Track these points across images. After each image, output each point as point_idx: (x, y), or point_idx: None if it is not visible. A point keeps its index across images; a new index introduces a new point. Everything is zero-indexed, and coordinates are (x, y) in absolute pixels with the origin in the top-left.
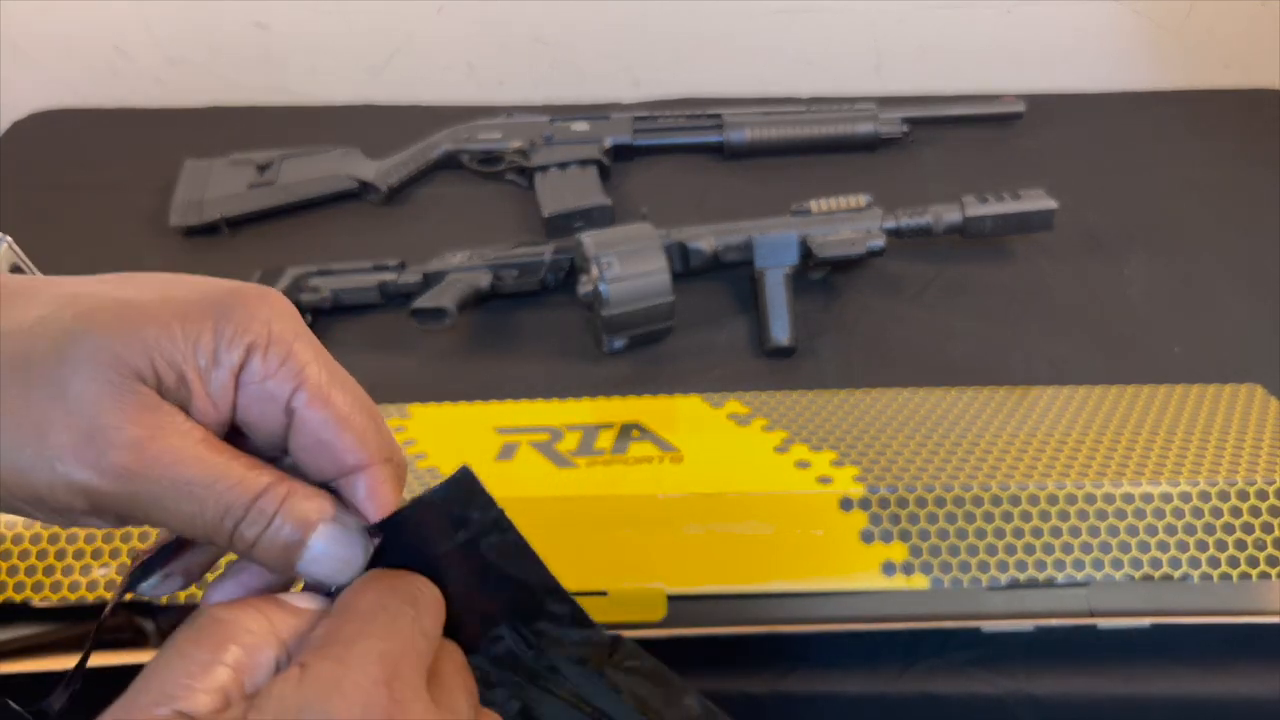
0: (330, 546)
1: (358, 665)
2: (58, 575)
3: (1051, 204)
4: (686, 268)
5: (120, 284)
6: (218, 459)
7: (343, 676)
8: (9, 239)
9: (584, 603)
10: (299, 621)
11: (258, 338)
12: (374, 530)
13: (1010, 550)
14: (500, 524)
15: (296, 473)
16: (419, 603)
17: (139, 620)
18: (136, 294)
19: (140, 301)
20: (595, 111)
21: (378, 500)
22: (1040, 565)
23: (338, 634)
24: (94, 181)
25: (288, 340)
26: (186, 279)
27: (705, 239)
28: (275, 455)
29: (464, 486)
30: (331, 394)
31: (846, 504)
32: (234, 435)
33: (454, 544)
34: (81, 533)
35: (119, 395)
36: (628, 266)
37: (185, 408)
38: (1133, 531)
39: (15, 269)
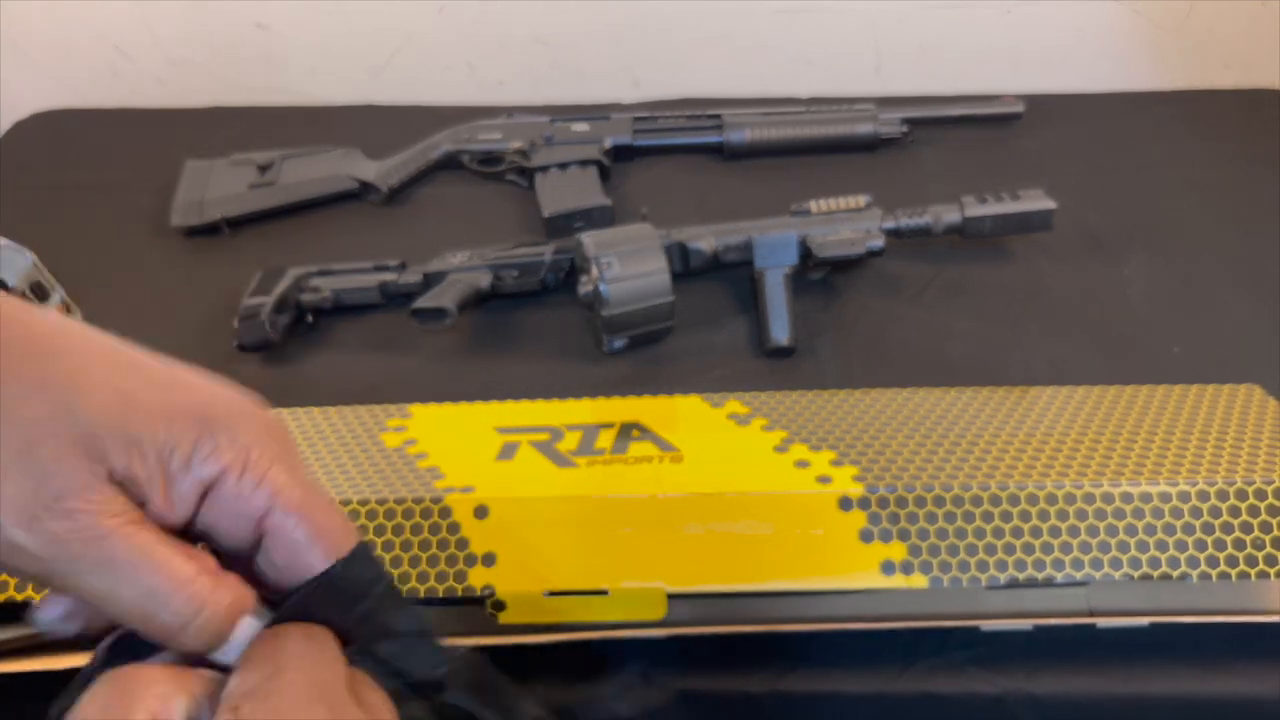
0: (248, 637)
1: (290, 695)
2: None
3: (1051, 204)
4: (686, 268)
5: (130, 370)
6: (151, 547)
7: (280, 708)
8: (33, 256)
9: (585, 601)
10: (205, 677)
11: (233, 461)
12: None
13: (1009, 550)
14: (393, 595)
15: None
16: (322, 636)
17: None
18: (137, 388)
19: (137, 397)
20: (595, 112)
21: None
22: (1039, 565)
23: (261, 676)
24: (95, 182)
25: (264, 466)
26: (193, 382)
27: (705, 239)
28: (237, 556)
29: (360, 563)
30: (304, 512)
31: (846, 503)
32: (189, 535)
33: (354, 615)
34: None
35: (78, 472)
36: (628, 267)
37: (144, 502)
38: (1131, 531)
39: (36, 285)
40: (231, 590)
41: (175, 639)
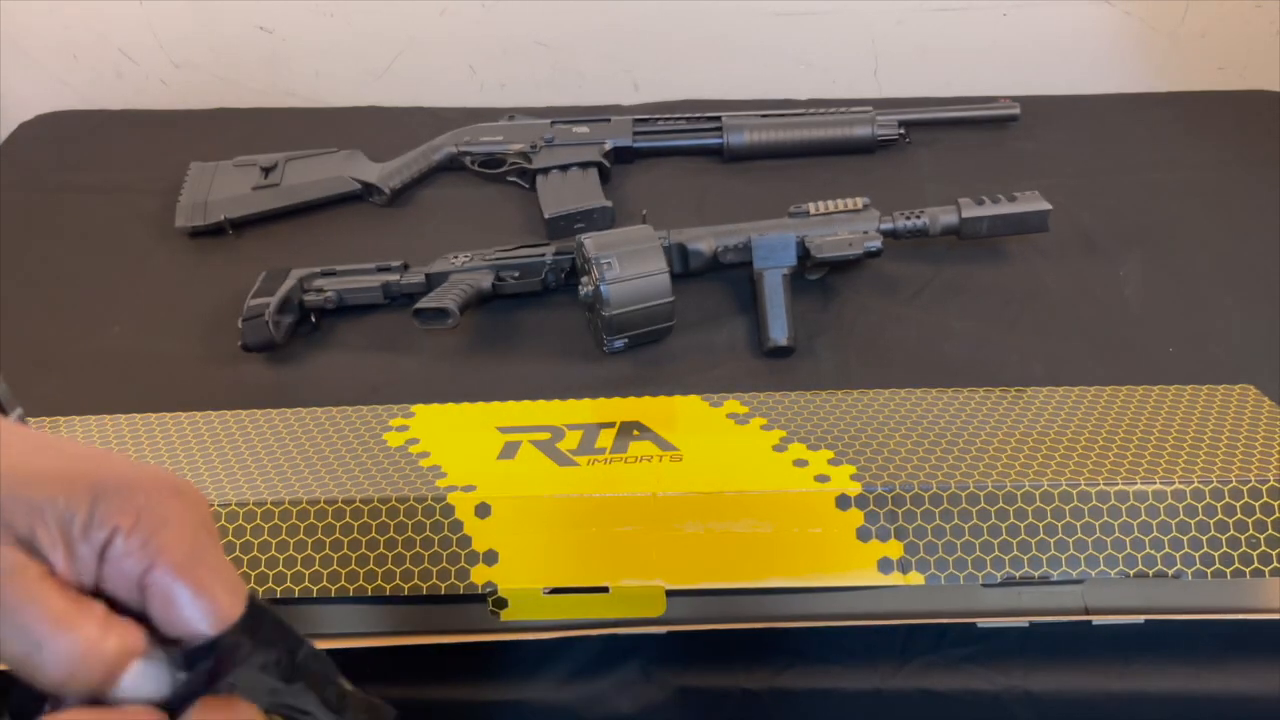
0: (139, 681)
1: None
2: None
3: (1046, 206)
4: (686, 269)
5: (40, 449)
6: (38, 594)
7: None
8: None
9: (585, 599)
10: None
11: (124, 521)
12: (188, 659)
13: (1005, 548)
14: (293, 644)
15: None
16: None
17: None
18: (42, 461)
19: (40, 468)
20: (596, 114)
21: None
22: (1035, 563)
23: None
24: (99, 183)
25: (152, 526)
26: (101, 457)
27: (705, 240)
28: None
29: (255, 617)
30: (183, 571)
31: (844, 502)
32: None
33: (261, 661)
34: None
35: None
36: (628, 268)
37: (51, 567)
38: (1127, 530)
39: None
40: (119, 636)
41: (63, 685)
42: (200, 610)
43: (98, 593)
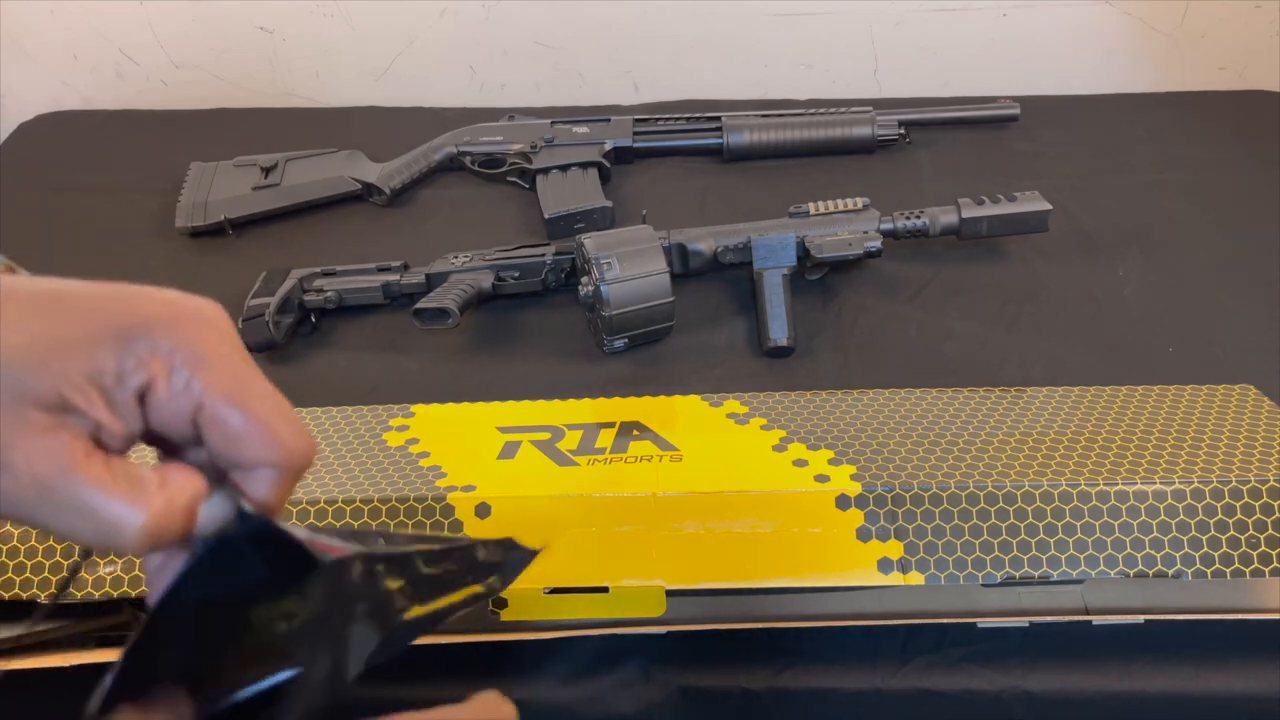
0: (210, 515)
1: None
2: (64, 573)
3: (1046, 206)
4: (686, 269)
5: (47, 308)
6: (96, 483)
7: None
8: None
9: (585, 598)
10: None
11: (160, 365)
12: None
13: (1005, 548)
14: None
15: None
16: None
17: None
18: (55, 328)
19: (57, 335)
20: (596, 114)
21: (267, 494)
22: (1035, 563)
23: None
24: (99, 183)
25: (190, 364)
26: (114, 299)
27: (705, 240)
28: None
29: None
30: (232, 405)
31: (844, 502)
32: (154, 438)
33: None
34: None
35: (23, 423)
36: (628, 268)
37: (92, 425)
38: (1126, 530)
39: None
40: (181, 490)
41: (147, 551)
42: (257, 437)
43: (149, 434)
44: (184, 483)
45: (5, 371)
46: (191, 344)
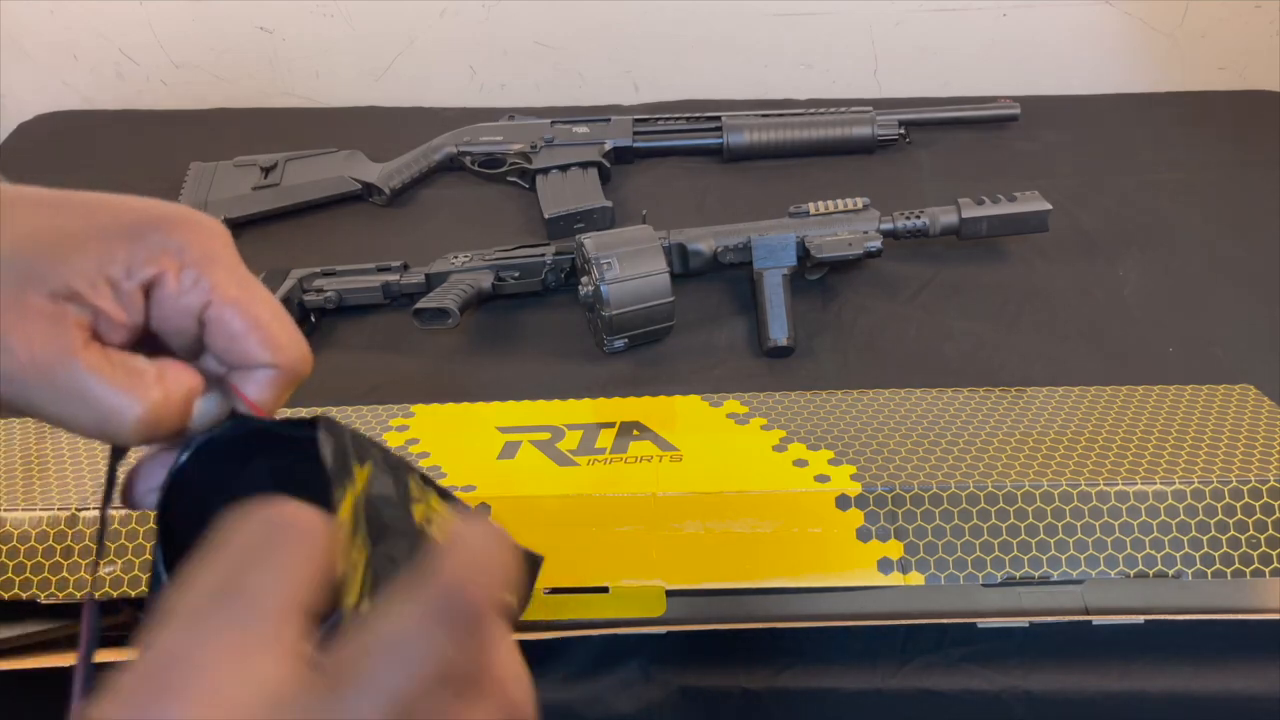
0: (205, 412)
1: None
2: (64, 573)
3: (1046, 206)
4: (686, 269)
5: (56, 208)
6: (95, 370)
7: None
8: None
9: (585, 598)
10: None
11: (169, 261)
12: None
13: (1005, 548)
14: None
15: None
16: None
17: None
18: (64, 221)
19: (66, 227)
20: (596, 114)
21: (264, 395)
22: (1035, 563)
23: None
24: (99, 183)
25: (200, 263)
26: (123, 201)
27: (705, 240)
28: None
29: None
30: (238, 305)
31: (844, 502)
32: (152, 339)
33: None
34: (88, 530)
35: (24, 307)
36: (628, 268)
37: (96, 316)
38: (1127, 530)
39: None
40: (179, 384)
41: (144, 442)
42: (258, 339)
43: (147, 333)
44: (181, 376)
45: (7, 258)
46: (202, 244)
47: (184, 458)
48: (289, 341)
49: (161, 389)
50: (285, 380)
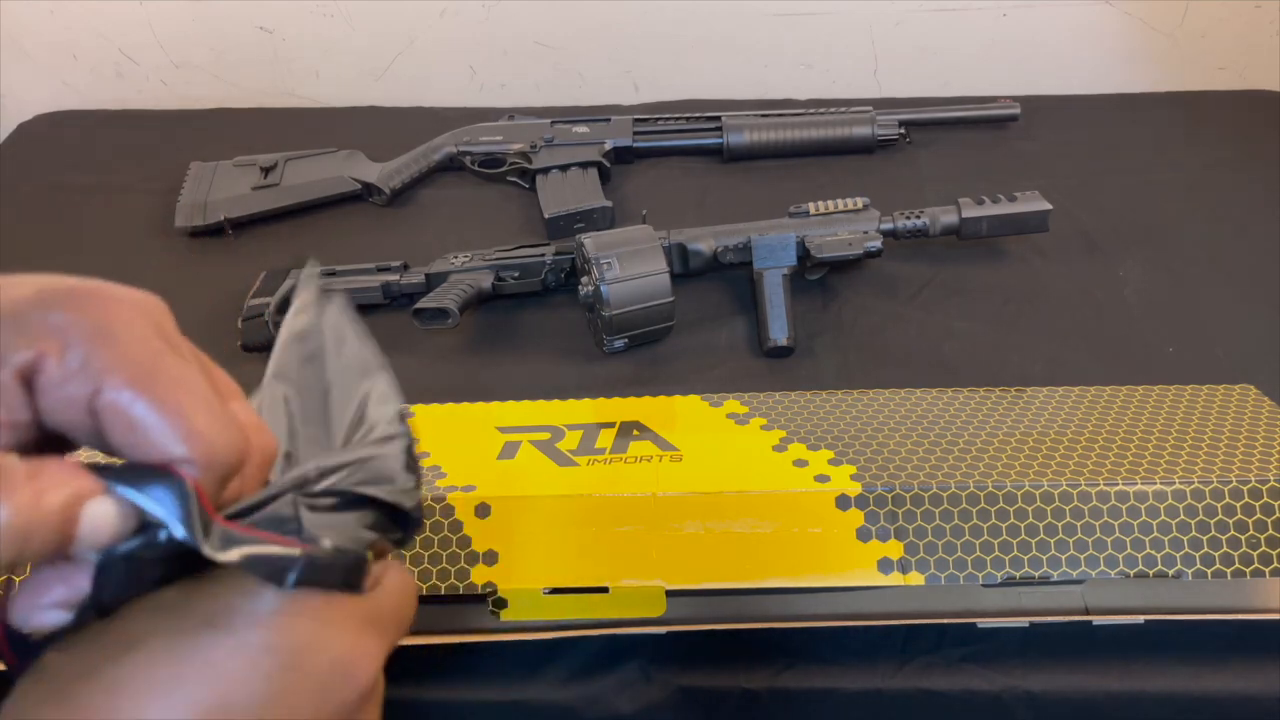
0: (102, 523)
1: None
2: None
3: (1046, 206)
4: (686, 269)
5: None
6: None
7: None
8: None
9: (585, 599)
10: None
11: (51, 342)
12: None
13: (1006, 548)
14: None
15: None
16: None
17: None
18: None
19: None
20: (596, 114)
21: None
22: (1035, 563)
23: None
24: (99, 183)
25: (89, 341)
26: (14, 281)
27: (705, 240)
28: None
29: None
30: (135, 389)
31: (844, 502)
32: (60, 442)
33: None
34: None
35: None
36: (628, 268)
37: None
38: (1127, 530)
39: None
40: (57, 485)
41: (18, 560)
42: (167, 427)
43: (42, 433)
44: (60, 477)
45: None
46: (94, 318)
47: (86, 587)
48: (208, 428)
49: (31, 490)
50: (208, 479)
